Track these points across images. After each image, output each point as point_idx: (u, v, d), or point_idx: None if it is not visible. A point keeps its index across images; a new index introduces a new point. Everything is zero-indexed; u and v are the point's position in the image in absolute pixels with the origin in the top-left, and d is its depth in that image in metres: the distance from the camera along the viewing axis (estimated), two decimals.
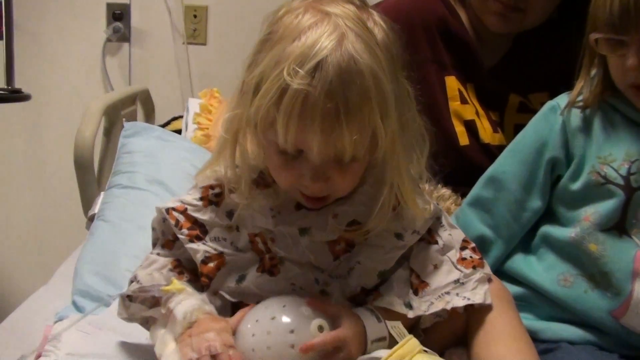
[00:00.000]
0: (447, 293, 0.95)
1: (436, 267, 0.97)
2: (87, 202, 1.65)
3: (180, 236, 0.98)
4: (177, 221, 0.98)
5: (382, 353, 0.83)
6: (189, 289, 0.94)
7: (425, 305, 0.94)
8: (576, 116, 1.11)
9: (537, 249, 1.15)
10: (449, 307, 0.93)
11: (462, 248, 1.00)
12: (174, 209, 0.99)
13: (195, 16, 2.28)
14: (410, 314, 0.92)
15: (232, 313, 0.94)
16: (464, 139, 1.36)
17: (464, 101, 1.37)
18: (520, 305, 1.07)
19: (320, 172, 0.87)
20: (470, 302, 0.94)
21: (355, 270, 0.94)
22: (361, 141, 0.85)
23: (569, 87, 1.14)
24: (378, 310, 0.92)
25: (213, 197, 0.99)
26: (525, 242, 1.17)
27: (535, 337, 1.08)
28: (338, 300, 0.93)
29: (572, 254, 1.10)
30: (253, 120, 0.88)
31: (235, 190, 0.97)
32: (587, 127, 1.10)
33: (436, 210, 1.00)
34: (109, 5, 2.29)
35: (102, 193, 1.59)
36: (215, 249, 0.96)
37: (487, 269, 0.99)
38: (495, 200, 1.17)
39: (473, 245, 1.01)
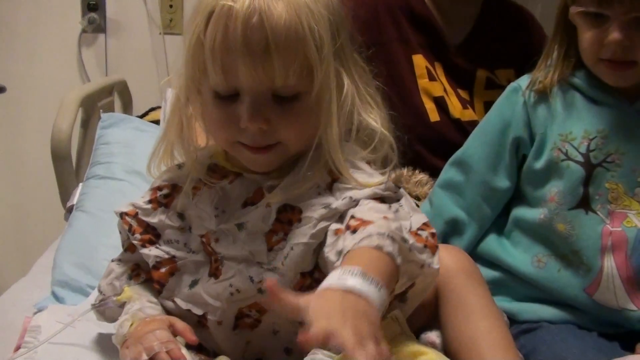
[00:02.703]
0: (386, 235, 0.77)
1: (385, 218, 0.81)
2: (65, 193, 1.65)
3: (134, 241, 0.96)
4: (130, 226, 0.96)
5: None
6: (137, 295, 0.94)
7: (350, 241, 0.77)
8: (537, 96, 1.13)
9: (511, 233, 1.17)
10: (373, 243, 0.74)
11: (420, 229, 0.86)
12: (126, 213, 0.97)
13: (171, 6, 2.27)
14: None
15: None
16: (434, 115, 1.38)
17: (432, 78, 1.38)
18: (497, 288, 1.09)
19: (256, 109, 0.84)
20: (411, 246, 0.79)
21: (289, 256, 0.86)
22: (293, 68, 0.82)
23: (534, 64, 1.15)
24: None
25: (162, 198, 0.97)
26: (499, 226, 1.19)
27: (515, 319, 1.11)
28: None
29: (543, 235, 1.12)
30: (190, 67, 0.87)
31: (182, 189, 0.95)
32: (548, 106, 1.13)
33: (390, 187, 0.89)
34: None
35: (80, 184, 1.60)
36: (167, 253, 0.94)
37: (436, 262, 0.84)
38: (465, 183, 1.19)
39: (434, 231, 0.87)
